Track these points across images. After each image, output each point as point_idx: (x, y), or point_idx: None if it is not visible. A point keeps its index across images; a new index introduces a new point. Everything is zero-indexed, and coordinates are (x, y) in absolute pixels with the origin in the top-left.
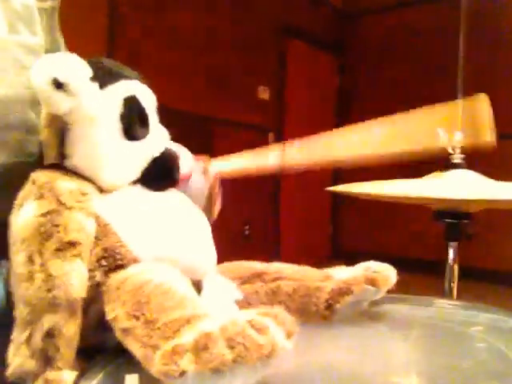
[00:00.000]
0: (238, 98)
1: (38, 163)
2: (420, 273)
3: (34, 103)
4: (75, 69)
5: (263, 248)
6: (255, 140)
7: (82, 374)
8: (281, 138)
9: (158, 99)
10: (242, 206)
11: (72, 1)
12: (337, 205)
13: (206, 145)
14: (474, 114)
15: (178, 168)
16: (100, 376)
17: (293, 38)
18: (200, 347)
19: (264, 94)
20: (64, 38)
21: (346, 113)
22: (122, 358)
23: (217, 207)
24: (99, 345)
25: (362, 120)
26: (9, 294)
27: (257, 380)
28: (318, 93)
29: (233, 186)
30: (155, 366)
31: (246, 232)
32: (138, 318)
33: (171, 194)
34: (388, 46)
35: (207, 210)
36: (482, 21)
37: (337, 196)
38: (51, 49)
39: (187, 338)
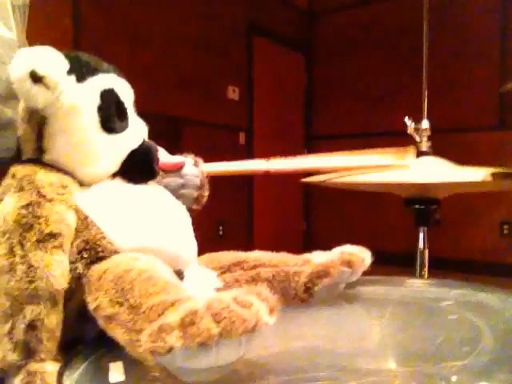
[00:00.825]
0: (208, 98)
1: (15, 159)
2: (394, 265)
3: (8, 98)
4: (53, 62)
5: (237, 248)
6: (226, 140)
7: (64, 366)
8: (251, 137)
9: None
10: (216, 207)
11: (33, 1)
12: (309, 202)
13: (175, 145)
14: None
15: (157, 160)
16: (84, 365)
17: (259, 37)
18: (186, 323)
19: (233, 94)
20: (29, 40)
21: (314, 110)
22: (105, 348)
23: (207, 191)
24: (78, 338)
25: (329, 116)
26: None
27: (239, 355)
28: (286, 91)
29: None
30: (142, 346)
31: (220, 232)
32: (121, 304)
33: (151, 186)
34: (355, 42)
35: (201, 195)
36: (446, 15)
37: (309, 193)
38: (24, 45)
39: (173, 317)
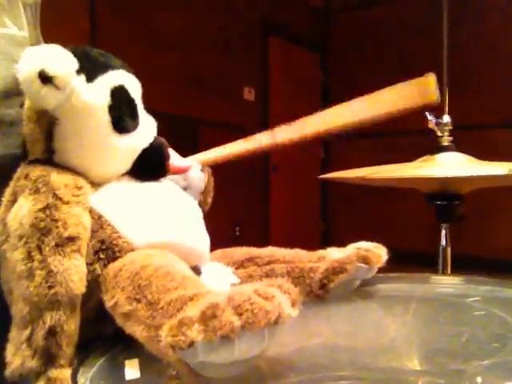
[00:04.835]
0: (224, 99)
1: (22, 157)
2: (415, 265)
3: (20, 95)
4: (62, 61)
5: None
6: None
7: (79, 363)
8: None
9: (143, 102)
10: (232, 208)
11: (51, 5)
12: (327, 202)
13: (192, 147)
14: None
15: (167, 157)
16: (100, 362)
17: (275, 37)
18: (207, 317)
19: (249, 94)
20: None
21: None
22: (121, 345)
23: (210, 198)
24: (97, 337)
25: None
26: None
27: (262, 349)
28: (302, 91)
29: (223, 188)
30: (163, 340)
31: (237, 233)
32: (139, 301)
33: (162, 183)
34: (372, 42)
35: (203, 201)
36: (466, 9)
37: (327, 193)
38: (36, 44)
39: (193, 310)
